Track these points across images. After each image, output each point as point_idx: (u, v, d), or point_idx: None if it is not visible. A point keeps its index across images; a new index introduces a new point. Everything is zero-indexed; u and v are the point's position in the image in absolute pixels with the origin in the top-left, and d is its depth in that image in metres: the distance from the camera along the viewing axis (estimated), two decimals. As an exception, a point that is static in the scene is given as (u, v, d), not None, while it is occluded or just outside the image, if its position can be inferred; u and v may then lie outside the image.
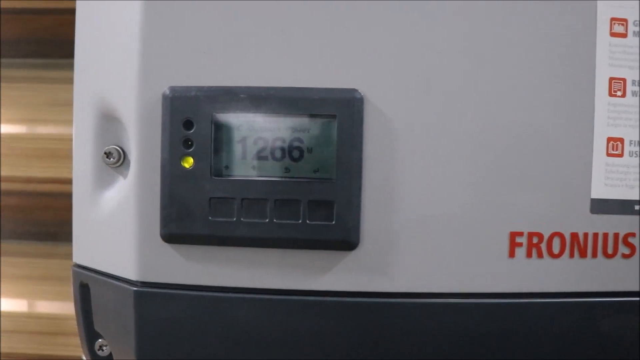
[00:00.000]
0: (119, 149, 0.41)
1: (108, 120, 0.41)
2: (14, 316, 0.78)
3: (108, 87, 0.41)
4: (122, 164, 0.41)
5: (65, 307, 0.76)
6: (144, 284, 0.40)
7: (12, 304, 0.78)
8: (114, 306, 0.41)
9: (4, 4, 0.73)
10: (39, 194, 0.76)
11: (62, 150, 0.73)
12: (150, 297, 0.39)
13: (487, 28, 0.38)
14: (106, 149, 0.41)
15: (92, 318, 0.43)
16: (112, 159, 0.41)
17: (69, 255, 0.44)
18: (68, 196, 0.44)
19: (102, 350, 0.43)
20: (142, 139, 0.39)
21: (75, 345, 0.74)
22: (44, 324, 0.77)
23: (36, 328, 0.77)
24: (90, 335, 0.43)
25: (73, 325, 0.45)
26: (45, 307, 0.77)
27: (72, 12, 0.42)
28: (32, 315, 0.78)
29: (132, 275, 0.40)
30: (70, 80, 0.42)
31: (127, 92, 0.39)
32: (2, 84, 0.74)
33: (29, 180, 0.75)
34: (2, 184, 0.76)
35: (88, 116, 0.41)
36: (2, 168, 0.76)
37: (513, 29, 0.38)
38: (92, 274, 0.42)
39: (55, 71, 0.74)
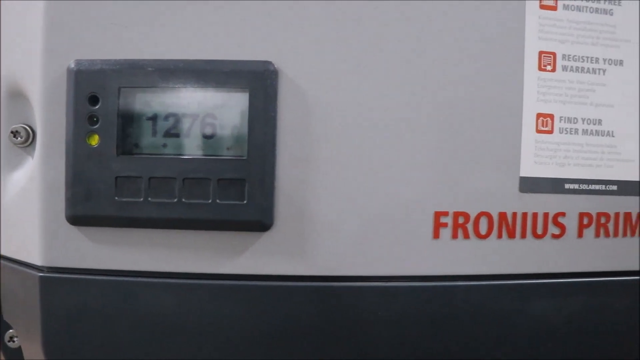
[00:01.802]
0: (27, 127, 0.39)
1: (15, 98, 0.39)
2: None
3: (14, 62, 0.39)
4: (30, 143, 0.39)
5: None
6: (50, 269, 0.37)
7: None
8: (21, 294, 0.39)
9: None
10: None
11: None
12: (57, 283, 0.37)
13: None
14: (13, 127, 0.39)
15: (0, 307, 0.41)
16: (19, 138, 0.39)
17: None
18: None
19: (13, 341, 0.41)
20: (47, 116, 0.37)
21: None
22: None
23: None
24: None
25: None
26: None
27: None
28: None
29: (37, 260, 0.38)
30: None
31: (32, 66, 0.37)
32: None
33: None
34: None
35: (-4, 95, 0.39)
36: None
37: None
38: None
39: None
